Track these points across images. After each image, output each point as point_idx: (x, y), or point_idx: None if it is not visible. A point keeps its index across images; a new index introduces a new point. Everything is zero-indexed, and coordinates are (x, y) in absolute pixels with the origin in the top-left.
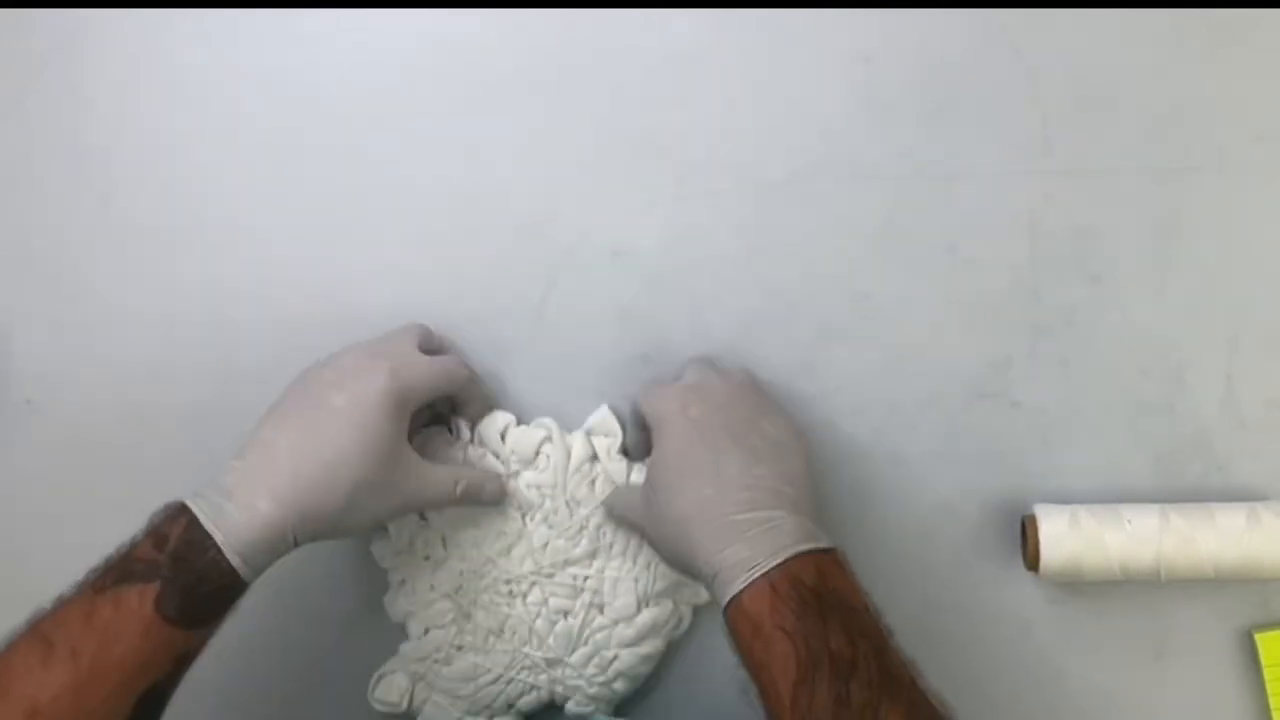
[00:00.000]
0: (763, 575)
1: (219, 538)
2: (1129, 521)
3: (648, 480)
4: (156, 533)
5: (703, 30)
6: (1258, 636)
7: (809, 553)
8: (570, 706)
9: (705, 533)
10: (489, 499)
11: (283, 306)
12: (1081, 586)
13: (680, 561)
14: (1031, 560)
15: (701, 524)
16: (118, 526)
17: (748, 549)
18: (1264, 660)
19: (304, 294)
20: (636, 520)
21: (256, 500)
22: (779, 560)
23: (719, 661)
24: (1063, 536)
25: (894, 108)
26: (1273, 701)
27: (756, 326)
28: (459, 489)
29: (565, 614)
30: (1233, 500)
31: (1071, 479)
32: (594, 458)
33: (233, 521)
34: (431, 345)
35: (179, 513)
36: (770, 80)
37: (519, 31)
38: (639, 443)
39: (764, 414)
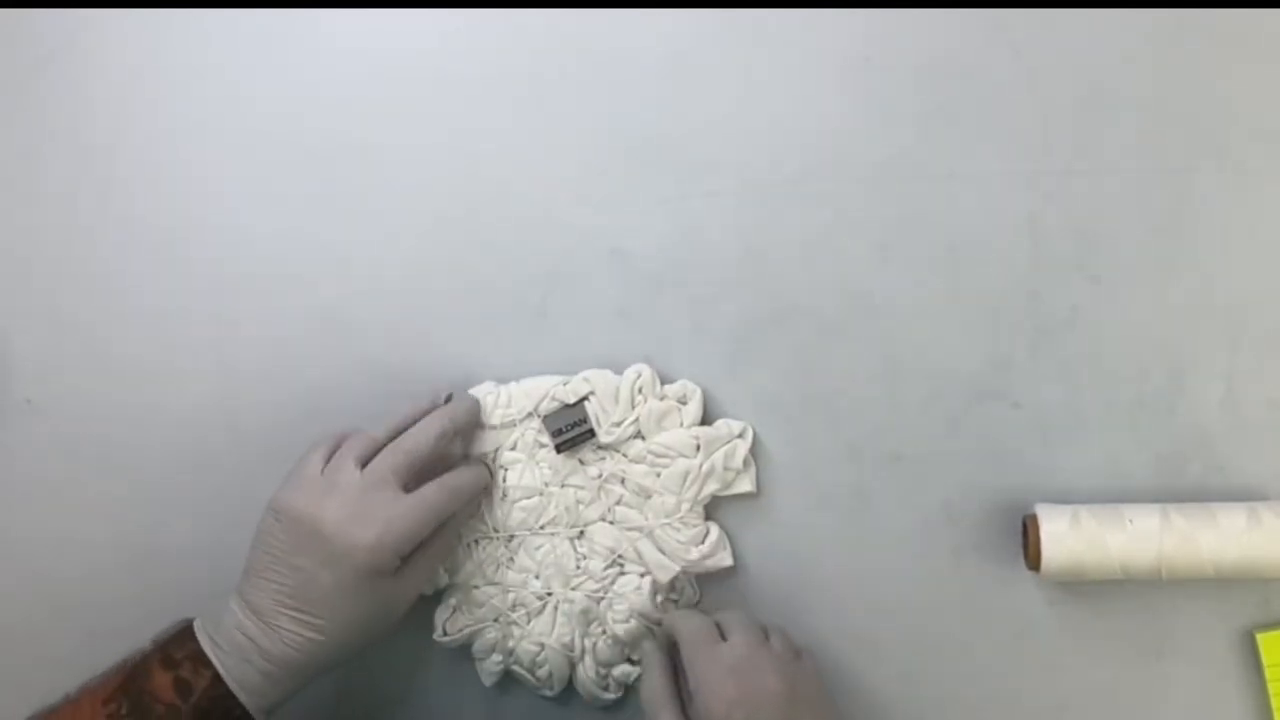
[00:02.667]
0: None
1: (244, 700)
2: (1130, 521)
3: None
4: (176, 673)
5: (703, 30)
6: (1258, 636)
7: None
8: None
9: None
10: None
11: (282, 307)
12: (1082, 586)
13: None
14: (1032, 560)
15: None
16: (117, 526)
17: None
18: (1264, 660)
19: (304, 294)
20: None
21: (272, 666)
22: None
23: None
24: (1064, 536)
25: (894, 108)
26: (1273, 701)
27: (756, 326)
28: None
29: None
30: (1233, 500)
31: (1072, 479)
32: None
33: (255, 682)
34: (414, 468)
35: (200, 662)
36: (770, 80)
37: (519, 32)
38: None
39: (813, 707)
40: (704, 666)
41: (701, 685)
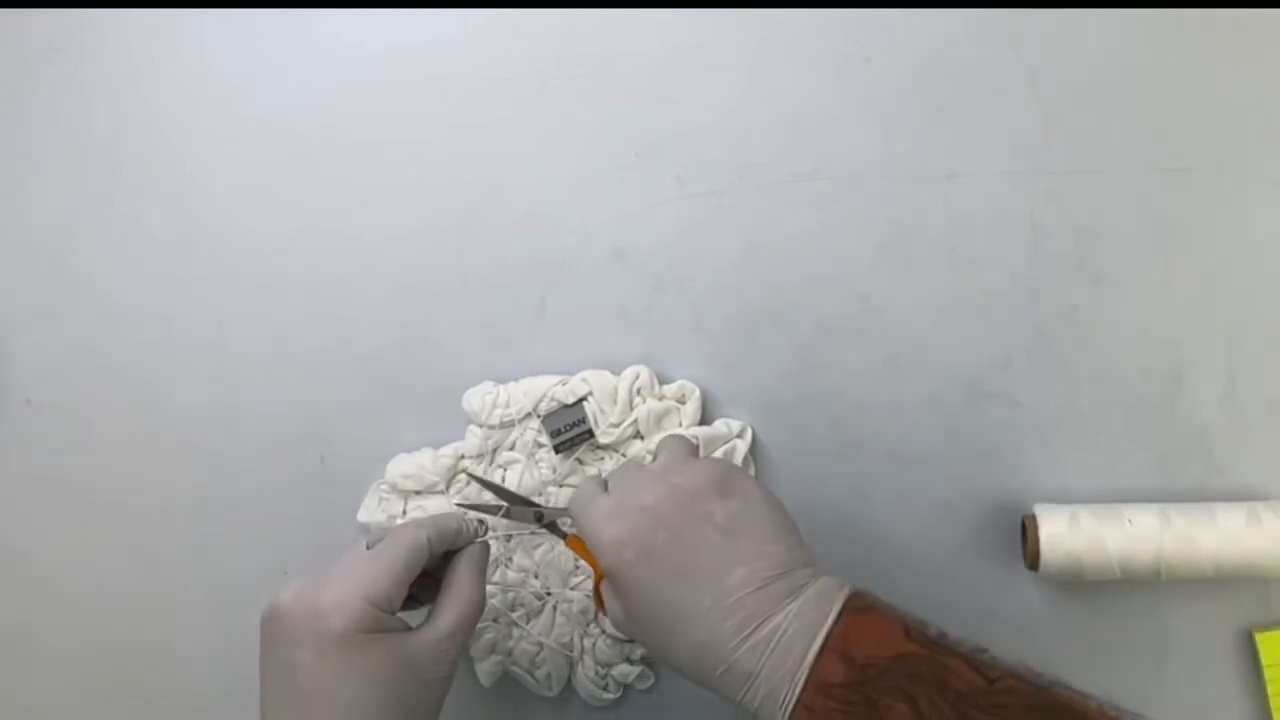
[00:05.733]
0: (795, 706)
1: None
2: (1129, 521)
3: (619, 612)
4: None
5: (703, 30)
6: (1258, 636)
7: (827, 639)
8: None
9: (723, 681)
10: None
11: (283, 306)
12: (1081, 586)
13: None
14: (1032, 560)
15: (710, 671)
16: (117, 526)
17: (766, 685)
18: (1264, 660)
19: (304, 294)
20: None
21: None
22: (802, 681)
23: None
24: (1063, 536)
25: (894, 108)
26: (1273, 702)
27: (756, 326)
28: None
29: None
30: (1233, 500)
31: (1071, 479)
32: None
33: None
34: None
35: None
36: (770, 80)
37: (520, 32)
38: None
39: (704, 495)
40: (588, 527)
41: (591, 544)
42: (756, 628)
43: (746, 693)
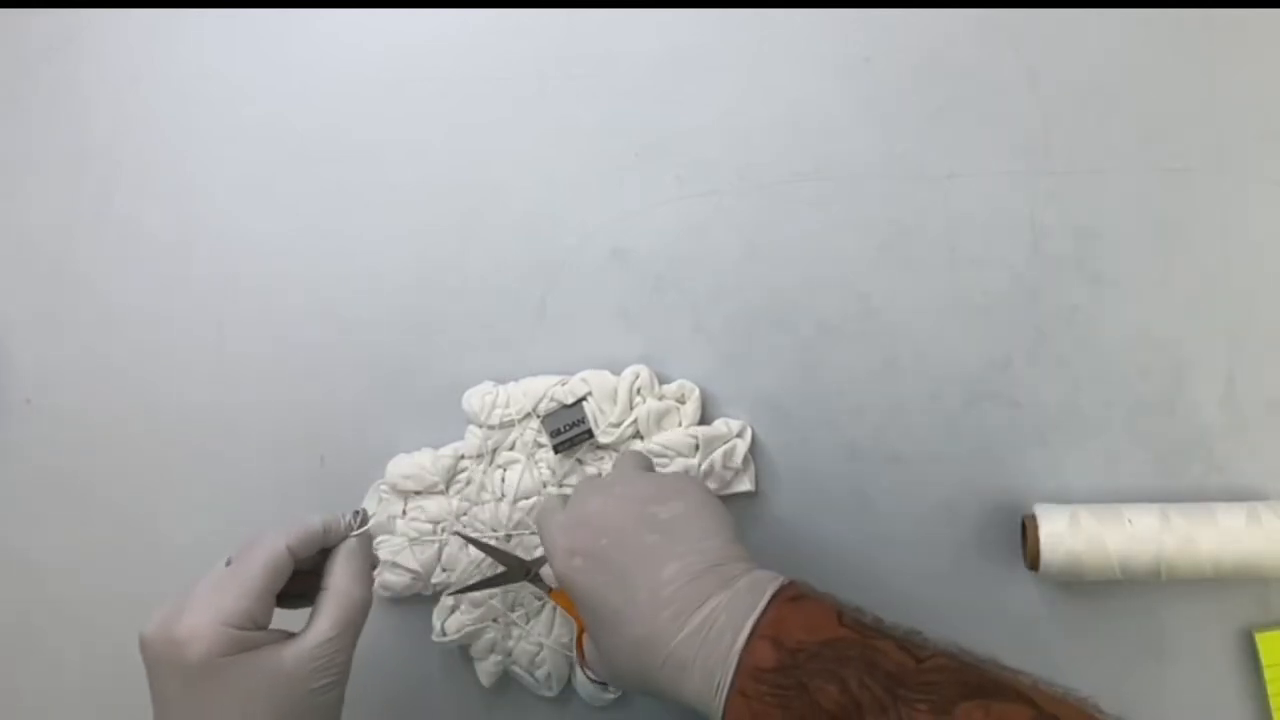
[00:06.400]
0: (730, 692)
1: None
2: (1129, 521)
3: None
4: None
5: (703, 30)
6: (1258, 636)
7: (756, 625)
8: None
9: (665, 674)
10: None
11: (282, 306)
12: (1081, 586)
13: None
14: (1032, 560)
15: (654, 667)
16: (116, 526)
17: (701, 672)
18: (1264, 660)
19: (304, 294)
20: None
21: None
22: (733, 666)
23: None
24: (1063, 536)
25: (894, 108)
26: (1273, 701)
27: (756, 326)
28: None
29: None
30: (1233, 500)
31: (1071, 479)
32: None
33: None
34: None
35: None
36: (770, 80)
37: (520, 32)
38: None
39: (646, 501)
40: (547, 540)
41: (549, 556)
42: (689, 616)
43: (686, 683)
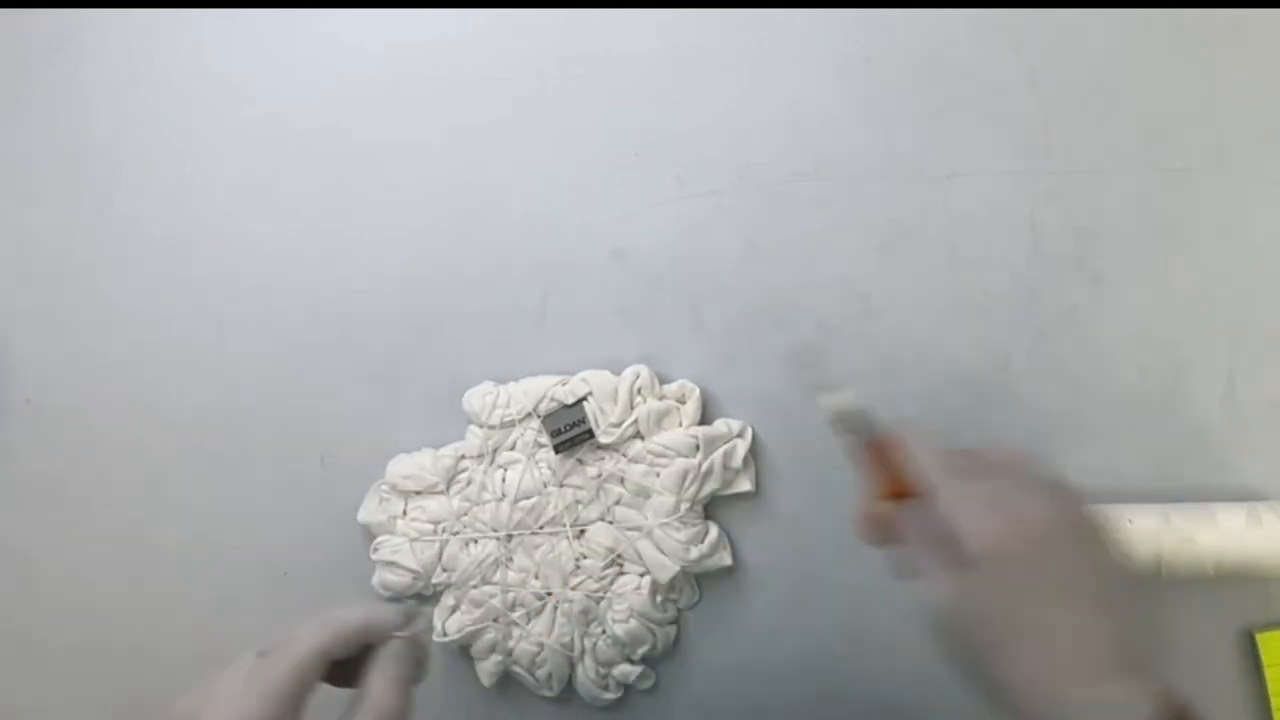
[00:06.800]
0: None
1: None
2: (1130, 521)
3: (961, 603)
4: None
5: (703, 30)
6: (1258, 636)
7: None
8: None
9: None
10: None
11: (282, 306)
12: None
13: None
14: None
15: (1043, 701)
16: (117, 526)
17: None
18: (1264, 660)
19: (304, 294)
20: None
21: None
22: None
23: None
24: None
25: (894, 108)
26: (1273, 701)
27: (756, 326)
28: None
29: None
30: (1233, 500)
31: (1071, 479)
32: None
33: None
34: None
35: None
36: (770, 80)
37: (520, 32)
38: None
39: (1094, 547)
40: (955, 500)
41: (956, 520)
42: (1106, 680)
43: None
